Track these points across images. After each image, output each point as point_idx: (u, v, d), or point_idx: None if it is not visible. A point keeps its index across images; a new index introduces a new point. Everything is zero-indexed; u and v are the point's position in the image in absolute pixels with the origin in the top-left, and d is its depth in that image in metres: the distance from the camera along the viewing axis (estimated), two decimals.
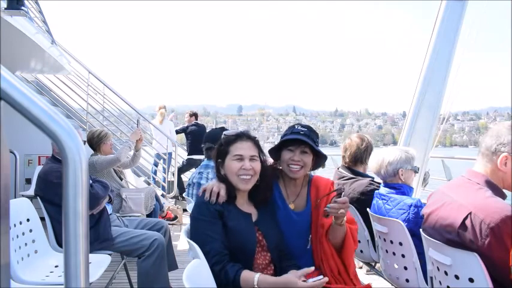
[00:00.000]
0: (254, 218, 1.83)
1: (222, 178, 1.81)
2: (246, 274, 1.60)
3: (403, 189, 2.46)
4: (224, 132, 1.89)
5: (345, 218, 1.84)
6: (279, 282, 1.58)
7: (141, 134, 4.36)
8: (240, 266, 1.64)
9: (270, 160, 2.04)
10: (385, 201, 2.46)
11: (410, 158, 2.49)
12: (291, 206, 2.01)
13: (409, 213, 2.29)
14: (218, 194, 1.76)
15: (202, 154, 3.31)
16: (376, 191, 2.60)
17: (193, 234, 1.73)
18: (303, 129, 1.97)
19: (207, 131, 5.46)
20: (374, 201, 2.58)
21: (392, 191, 2.47)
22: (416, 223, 2.22)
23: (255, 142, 1.84)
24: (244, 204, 1.83)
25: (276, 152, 2.02)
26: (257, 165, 1.79)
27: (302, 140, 1.91)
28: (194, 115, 8.02)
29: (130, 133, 4.68)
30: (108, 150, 4.07)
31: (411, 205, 2.29)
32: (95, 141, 4.03)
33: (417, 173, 2.57)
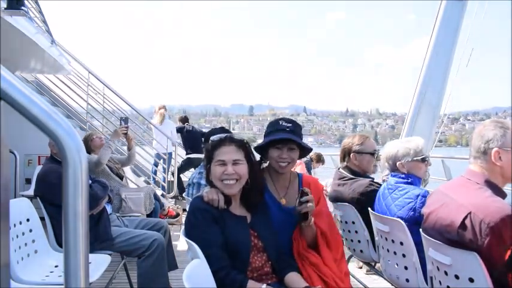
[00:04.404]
0: (248, 220, 1.83)
1: (210, 183, 1.81)
2: (251, 285, 1.62)
3: (411, 179, 2.46)
4: (210, 137, 1.89)
5: (312, 219, 1.89)
6: None
7: (126, 132, 4.21)
8: (245, 276, 1.66)
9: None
10: (392, 190, 2.46)
11: (408, 150, 2.47)
12: (282, 201, 2.03)
13: (416, 202, 2.29)
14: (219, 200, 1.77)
15: (198, 153, 3.31)
16: (384, 183, 2.61)
17: (188, 235, 1.73)
18: (288, 124, 1.99)
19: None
20: (379, 192, 2.57)
21: (400, 180, 2.47)
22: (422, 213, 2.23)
23: (241, 145, 1.82)
24: (236, 208, 1.83)
25: (261, 149, 2.04)
26: (241, 169, 1.77)
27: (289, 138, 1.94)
28: (183, 120, 8.10)
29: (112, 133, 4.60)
30: (99, 144, 4.09)
31: (418, 195, 2.29)
32: (85, 143, 4.06)
33: (426, 161, 2.49)
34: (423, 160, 2.47)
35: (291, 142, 1.97)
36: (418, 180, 2.48)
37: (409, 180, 2.45)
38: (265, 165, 2.08)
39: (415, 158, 2.46)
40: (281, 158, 1.97)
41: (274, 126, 2.03)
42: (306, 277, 1.83)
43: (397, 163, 2.48)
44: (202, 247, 1.61)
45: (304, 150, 2.09)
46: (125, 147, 4.54)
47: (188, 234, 1.74)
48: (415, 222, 2.21)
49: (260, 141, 2.08)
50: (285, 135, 1.95)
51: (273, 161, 2.00)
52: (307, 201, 1.83)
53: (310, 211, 1.85)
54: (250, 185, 1.83)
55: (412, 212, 2.27)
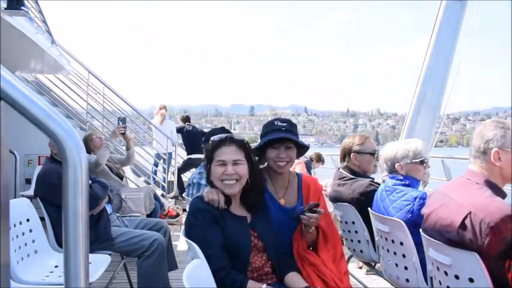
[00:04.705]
0: (248, 220, 1.83)
1: (210, 184, 1.82)
2: (252, 285, 1.63)
3: (409, 181, 2.45)
4: (211, 138, 1.90)
5: (313, 227, 1.91)
6: None
7: (123, 132, 4.23)
8: (245, 276, 1.67)
9: None
10: (390, 192, 2.45)
11: (407, 152, 2.46)
12: (281, 202, 2.03)
13: (413, 204, 2.29)
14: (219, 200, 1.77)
15: (198, 153, 3.31)
16: (382, 183, 2.61)
17: (188, 235, 1.74)
18: (283, 124, 2.00)
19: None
20: (377, 193, 2.57)
21: (398, 182, 2.47)
22: (419, 215, 2.22)
23: (241, 145, 1.81)
24: (236, 208, 1.83)
25: (259, 150, 2.04)
26: (242, 169, 1.77)
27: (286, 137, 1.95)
28: (185, 119, 8.07)
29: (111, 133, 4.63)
30: (98, 144, 4.11)
31: (416, 197, 2.29)
32: (85, 143, 4.07)
33: (424, 164, 2.48)
34: (422, 162, 2.47)
35: (287, 141, 1.97)
36: (416, 182, 2.48)
37: (407, 182, 2.44)
38: (262, 166, 2.08)
39: (413, 160, 2.45)
40: (279, 157, 1.97)
41: (270, 127, 2.03)
42: (305, 277, 1.83)
43: (396, 165, 2.48)
44: (202, 247, 1.61)
45: (302, 149, 2.09)
46: (125, 147, 4.59)
47: (188, 234, 1.74)
48: (413, 224, 2.21)
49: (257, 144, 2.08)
50: (281, 134, 1.96)
51: (271, 162, 2.00)
52: (312, 216, 1.84)
53: (309, 224, 1.87)
54: (250, 185, 1.83)
55: (410, 215, 2.27)
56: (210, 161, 1.81)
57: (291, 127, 2.00)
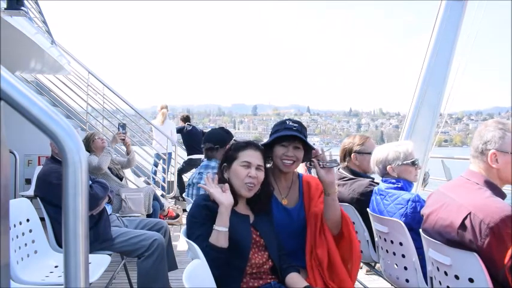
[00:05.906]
0: (251, 220, 1.85)
1: (223, 181, 1.84)
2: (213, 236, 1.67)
3: (401, 184, 2.45)
4: (234, 139, 1.93)
5: (336, 189, 1.93)
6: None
7: (123, 138, 4.38)
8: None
9: None
10: (383, 196, 2.46)
11: (398, 154, 2.46)
12: (284, 202, 2.04)
13: (406, 207, 2.29)
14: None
15: (198, 153, 3.32)
16: (375, 187, 2.61)
17: (187, 231, 1.78)
18: (295, 125, 2.03)
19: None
20: (372, 197, 2.58)
21: (390, 185, 2.47)
22: (413, 218, 2.23)
23: (263, 154, 1.88)
24: (241, 208, 1.85)
25: (266, 147, 2.05)
26: (261, 175, 1.83)
27: (296, 135, 1.97)
28: (185, 119, 8.06)
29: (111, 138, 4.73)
30: (100, 145, 4.15)
31: (409, 200, 2.29)
32: (86, 144, 4.12)
33: (416, 165, 2.48)
34: (413, 164, 2.47)
35: (296, 141, 1.99)
36: (409, 184, 2.48)
37: (400, 185, 2.44)
38: (268, 165, 2.09)
39: (405, 162, 2.45)
40: (286, 155, 1.99)
41: (282, 125, 2.06)
42: (310, 277, 1.84)
43: (387, 167, 2.48)
44: (198, 243, 1.62)
45: (308, 152, 2.09)
46: (125, 152, 4.67)
47: (188, 231, 1.76)
48: (408, 227, 2.21)
49: (266, 140, 2.09)
50: (292, 132, 1.98)
51: (278, 160, 2.01)
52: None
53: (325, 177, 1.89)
54: (260, 191, 1.86)
55: (404, 218, 2.27)
56: (231, 160, 1.84)
57: (301, 129, 2.03)
